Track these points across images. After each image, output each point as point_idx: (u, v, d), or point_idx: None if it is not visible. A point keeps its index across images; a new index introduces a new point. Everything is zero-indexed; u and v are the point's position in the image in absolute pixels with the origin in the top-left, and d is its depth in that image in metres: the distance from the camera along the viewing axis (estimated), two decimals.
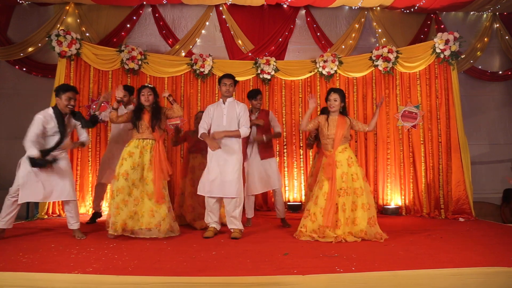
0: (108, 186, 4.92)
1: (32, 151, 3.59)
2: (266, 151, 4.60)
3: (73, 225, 3.91)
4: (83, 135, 4.13)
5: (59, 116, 3.82)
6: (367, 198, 3.81)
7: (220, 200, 4.04)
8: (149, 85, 4.12)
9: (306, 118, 3.99)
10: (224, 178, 3.91)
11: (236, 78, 4.25)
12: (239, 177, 3.99)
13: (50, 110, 3.84)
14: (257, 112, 4.67)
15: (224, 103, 4.10)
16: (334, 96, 3.94)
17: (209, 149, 3.97)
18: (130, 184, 3.85)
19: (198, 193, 4.06)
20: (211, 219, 4.03)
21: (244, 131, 3.99)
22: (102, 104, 5.25)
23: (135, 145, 3.95)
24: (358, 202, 3.79)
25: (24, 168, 3.70)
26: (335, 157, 3.85)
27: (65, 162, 3.93)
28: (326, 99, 4.00)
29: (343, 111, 4.01)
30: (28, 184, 3.69)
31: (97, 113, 4.23)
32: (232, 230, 3.96)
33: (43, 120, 3.73)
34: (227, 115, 4.03)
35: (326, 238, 3.69)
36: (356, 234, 3.72)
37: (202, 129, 4.03)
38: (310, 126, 4.06)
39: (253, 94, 4.66)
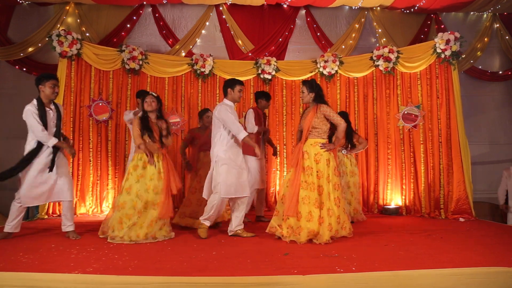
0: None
1: (52, 140, 3.67)
2: None
3: (69, 227, 3.88)
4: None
5: (41, 107, 3.76)
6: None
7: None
8: (153, 93, 3.99)
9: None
10: (245, 178, 4.01)
11: (237, 78, 4.27)
12: None
13: (34, 101, 3.77)
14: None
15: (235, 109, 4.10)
16: (302, 89, 3.95)
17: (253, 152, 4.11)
18: (133, 197, 3.74)
19: (227, 196, 3.87)
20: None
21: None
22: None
23: (139, 158, 3.85)
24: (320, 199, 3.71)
25: (29, 172, 3.68)
26: (303, 147, 3.81)
27: (63, 161, 3.90)
28: None
29: (318, 100, 3.87)
30: (32, 189, 3.68)
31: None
32: (239, 229, 3.99)
33: (33, 111, 3.70)
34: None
35: (277, 220, 3.73)
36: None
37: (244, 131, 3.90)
38: (300, 127, 4.10)
39: (269, 96, 5.02)
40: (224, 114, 3.87)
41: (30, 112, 3.68)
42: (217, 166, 3.87)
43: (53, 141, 3.71)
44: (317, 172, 3.73)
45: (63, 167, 3.90)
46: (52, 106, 3.90)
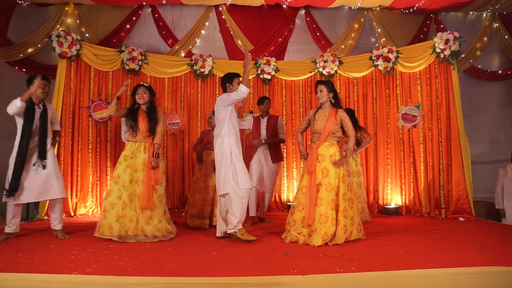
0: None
1: (16, 101, 3.72)
2: (276, 155, 4.87)
3: (57, 225, 3.92)
4: (56, 124, 4.21)
5: (30, 105, 3.87)
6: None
7: None
8: (145, 84, 4.03)
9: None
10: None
11: (233, 72, 4.20)
12: None
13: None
14: (266, 116, 4.92)
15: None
16: (320, 87, 3.87)
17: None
18: (120, 186, 3.75)
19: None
20: None
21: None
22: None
23: (129, 147, 3.87)
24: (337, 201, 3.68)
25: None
26: (319, 151, 3.76)
27: (51, 158, 3.89)
28: (316, 93, 3.95)
29: (335, 103, 3.86)
30: (22, 184, 3.67)
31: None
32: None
33: (16, 102, 3.79)
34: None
35: (296, 229, 3.65)
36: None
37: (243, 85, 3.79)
38: (303, 127, 4.07)
39: (261, 99, 5.00)
40: (227, 95, 3.80)
41: (13, 101, 3.80)
42: (234, 158, 3.75)
43: (18, 99, 3.74)
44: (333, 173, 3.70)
45: (53, 165, 3.88)
46: (41, 106, 3.95)
